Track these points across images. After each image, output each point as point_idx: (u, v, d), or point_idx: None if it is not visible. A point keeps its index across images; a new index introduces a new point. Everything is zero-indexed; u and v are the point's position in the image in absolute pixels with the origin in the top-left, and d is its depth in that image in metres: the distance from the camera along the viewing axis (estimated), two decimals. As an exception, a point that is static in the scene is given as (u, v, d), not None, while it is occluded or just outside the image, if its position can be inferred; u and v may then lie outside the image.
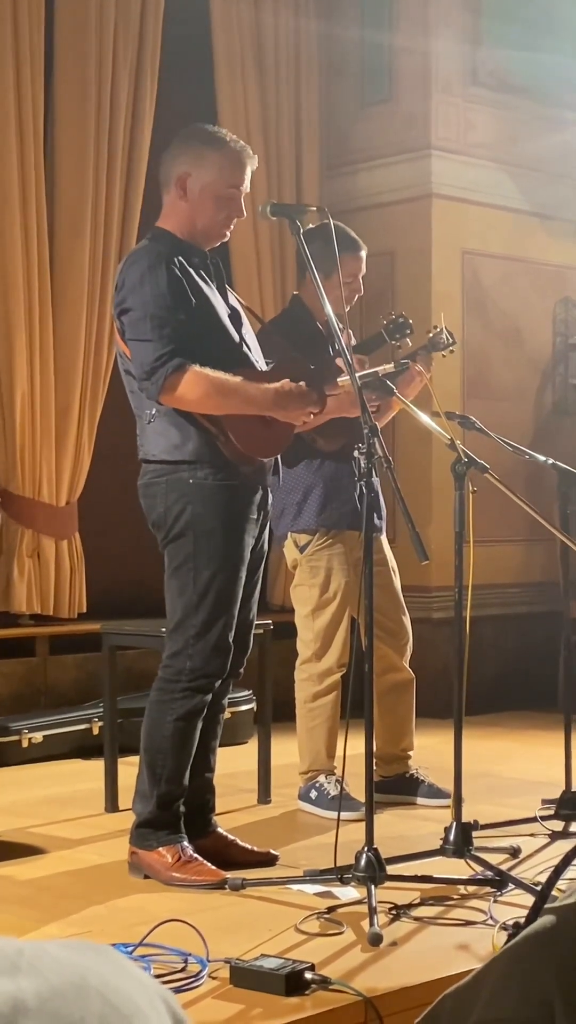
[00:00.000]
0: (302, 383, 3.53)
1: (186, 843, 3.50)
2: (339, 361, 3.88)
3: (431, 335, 4.45)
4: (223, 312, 3.57)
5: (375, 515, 4.21)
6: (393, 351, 3.90)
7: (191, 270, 3.52)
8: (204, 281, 3.55)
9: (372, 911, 3.02)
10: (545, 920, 1.06)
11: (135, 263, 3.51)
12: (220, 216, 3.57)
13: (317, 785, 4.32)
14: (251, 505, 3.57)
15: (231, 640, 3.54)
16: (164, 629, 3.64)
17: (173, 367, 3.38)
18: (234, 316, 3.63)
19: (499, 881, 3.33)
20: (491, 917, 3.10)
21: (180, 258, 3.51)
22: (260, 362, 3.65)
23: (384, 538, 4.45)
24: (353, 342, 4.63)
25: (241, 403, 3.45)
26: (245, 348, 3.61)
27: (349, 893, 3.26)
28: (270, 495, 3.70)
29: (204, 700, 3.53)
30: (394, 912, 3.15)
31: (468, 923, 3.10)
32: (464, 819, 3.50)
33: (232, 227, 3.65)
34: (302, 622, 4.43)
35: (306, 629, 4.41)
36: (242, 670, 3.69)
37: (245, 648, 3.67)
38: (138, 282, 3.46)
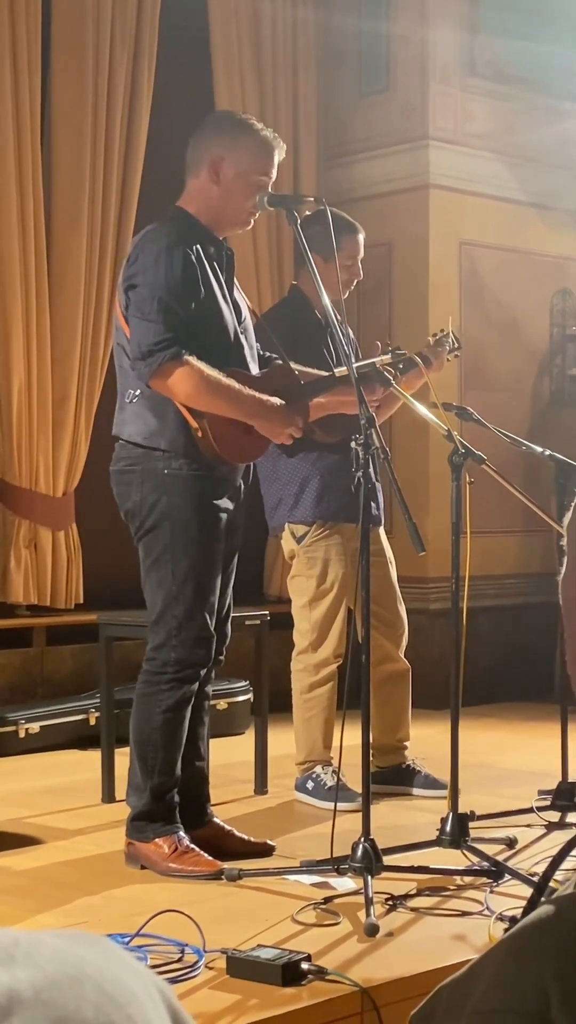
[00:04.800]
0: (288, 407, 3.52)
1: (182, 833, 3.51)
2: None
3: (437, 336, 4.44)
4: (227, 308, 3.56)
5: (372, 506, 4.20)
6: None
7: (205, 260, 3.50)
8: (215, 273, 3.53)
9: (368, 901, 3.02)
10: (542, 910, 1.06)
11: (154, 240, 3.47)
12: (248, 203, 3.57)
13: (314, 776, 4.32)
14: (224, 496, 3.56)
15: (212, 629, 3.54)
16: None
17: (171, 355, 3.37)
18: (236, 313, 3.61)
19: (495, 872, 3.34)
20: (487, 908, 3.10)
21: (197, 245, 3.49)
22: (254, 363, 3.64)
23: (381, 529, 4.45)
24: (352, 336, 4.64)
25: (228, 405, 3.44)
26: (242, 346, 3.60)
27: (346, 884, 3.26)
28: (243, 492, 3.68)
29: (191, 690, 3.53)
30: (390, 903, 3.15)
31: (464, 914, 3.10)
32: (460, 810, 3.51)
33: (256, 216, 3.63)
34: (299, 613, 4.43)
35: (303, 620, 4.41)
36: (223, 659, 3.70)
37: (224, 638, 3.68)
38: (153, 261, 3.43)
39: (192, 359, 3.38)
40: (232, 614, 3.75)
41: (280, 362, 3.74)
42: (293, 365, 3.76)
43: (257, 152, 3.55)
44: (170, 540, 3.49)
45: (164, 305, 3.40)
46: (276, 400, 3.52)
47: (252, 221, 3.65)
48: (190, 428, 3.46)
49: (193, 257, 3.45)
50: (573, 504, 1.23)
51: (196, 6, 6.37)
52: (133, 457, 3.52)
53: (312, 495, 4.34)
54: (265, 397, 3.50)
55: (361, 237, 4.42)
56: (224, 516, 3.56)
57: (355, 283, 4.45)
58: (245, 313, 3.68)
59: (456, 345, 4.46)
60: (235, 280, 3.68)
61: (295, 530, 4.40)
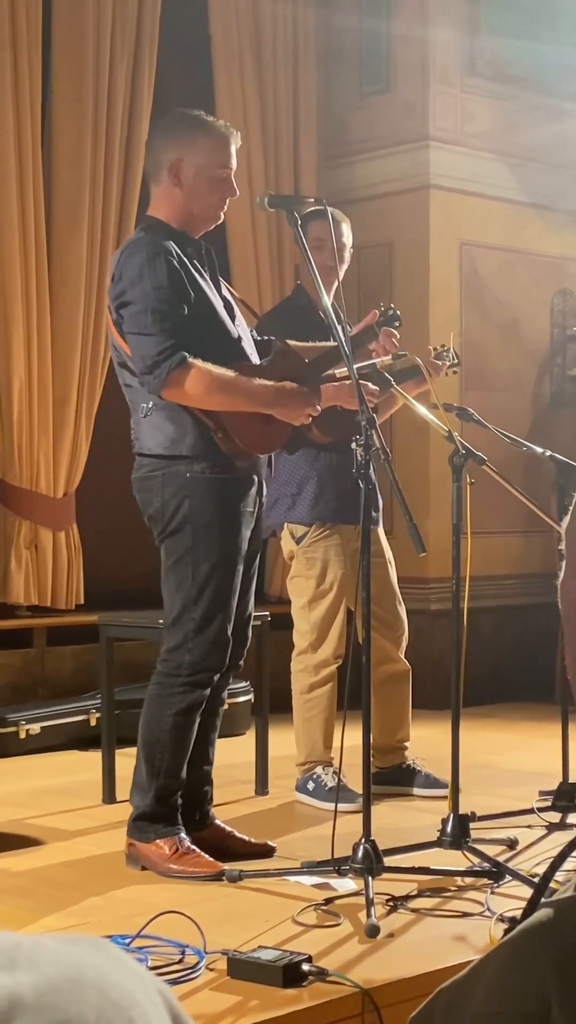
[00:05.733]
0: (303, 387, 3.53)
1: (183, 835, 3.50)
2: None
3: (438, 351, 4.43)
4: (219, 305, 3.56)
5: (371, 507, 4.20)
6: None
7: (187, 261, 3.51)
8: (199, 272, 3.54)
9: (369, 902, 3.02)
10: (542, 913, 1.06)
11: (133, 255, 3.48)
12: (215, 198, 3.57)
13: (314, 777, 4.32)
14: (247, 497, 3.56)
15: (230, 633, 3.54)
16: (162, 621, 3.64)
17: (176, 362, 3.37)
18: (227, 308, 3.62)
19: (496, 873, 3.34)
20: (488, 908, 3.10)
21: (176, 249, 3.49)
22: (254, 354, 3.64)
23: (380, 530, 4.45)
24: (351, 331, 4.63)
25: (242, 400, 3.45)
26: (240, 339, 3.60)
27: (346, 885, 3.26)
28: (265, 486, 3.69)
29: (203, 695, 3.53)
30: (391, 904, 3.15)
31: (465, 915, 3.10)
32: (461, 810, 3.51)
33: (226, 208, 3.64)
34: (298, 613, 4.43)
35: (302, 620, 4.41)
36: (242, 663, 3.69)
37: (244, 641, 3.67)
38: (137, 275, 3.44)
39: (197, 362, 3.38)
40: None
41: (280, 346, 3.73)
42: (292, 343, 3.76)
43: (212, 147, 3.54)
44: (192, 543, 3.48)
45: (159, 315, 3.40)
46: (288, 384, 3.52)
47: (222, 215, 3.65)
48: (209, 430, 3.46)
49: (175, 262, 3.45)
50: (571, 507, 1.23)
51: (196, 7, 6.37)
52: (155, 464, 3.51)
53: (310, 496, 4.34)
54: (277, 383, 3.50)
55: (338, 224, 4.30)
56: (246, 519, 3.55)
57: (340, 269, 4.33)
58: (236, 309, 3.68)
59: (456, 361, 4.46)
60: (220, 279, 3.68)
61: (294, 530, 4.40)
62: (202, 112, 3.68)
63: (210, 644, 3.50)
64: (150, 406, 3.49)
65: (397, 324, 4.05)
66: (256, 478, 3.60)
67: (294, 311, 4.44)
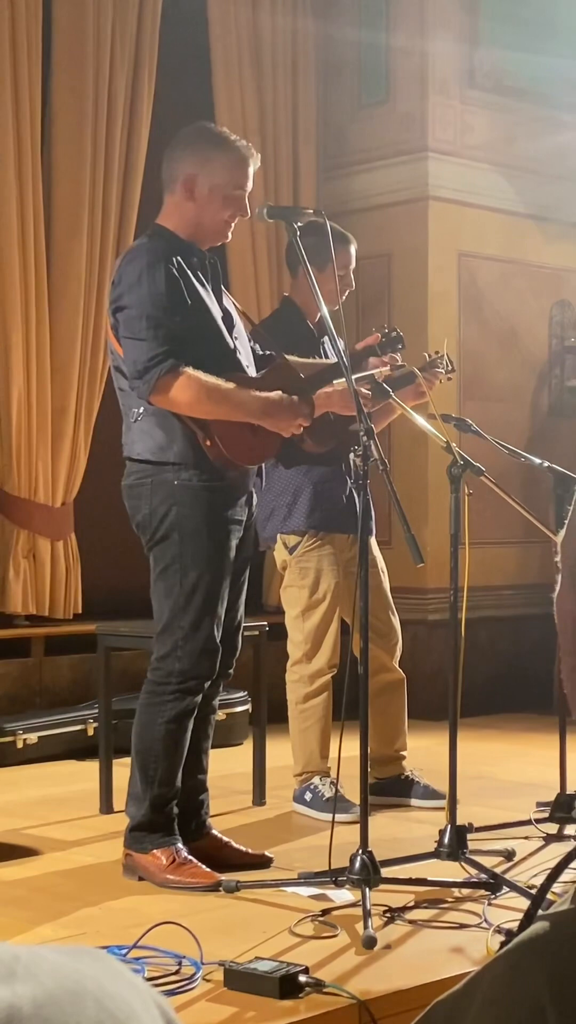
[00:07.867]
0: (293, 396, 3.54)
1: (180, 845, 3.50)
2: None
3: (431, 358, 4.44)
4: (218, 315, 3.57)
5: (368, 517, 4.20)
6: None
7: (189, 271, 3.52)
8: (201, 282, 3.55)
9: (366, 914, 3.02)
10: (539, 926, 1.06)
11: (133, 260, 3.50)
12: (225, 215, 3.59)
13: (311, 787, 4.32)
14: (236, 507, 3.57)
15: (219, 641, 3.54)
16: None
17: (166, 368, 3.38)
18: (227, 319, 3.63)
19: (493, 884, 3.33)
20: (485, 920, 3.10)
21: (179, 257, 3.51)
22: (251, 367, 3.65)
23: (373, 539, 4.44)
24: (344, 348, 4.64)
25: (231, 409, 3.45)
26: (237, 351, 3.61)
27: (343, 896, 3.26)
28: (255, 497, 3.69)
29: (194, 702, 3.53)
30: (388, 915, 3.15)
31: (462, 926, 3.10)
32: (458, 822, 3.51)
33: (234, 227, 3.65)
34: (292, 623, 4.43)
35: (296, 630, 4.41)
36: (231, 671, 3.69)
37: (234, 650, 3.67)
38: (136, 280, 3.46)
39: (188, 369, 3.39)
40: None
41: (279, 361, 3.74)
42: (291, 359, 3.76)
43: (230, 167, 3.56)
44: (179, 551, 3.49)
45: (153, 321, 3.42)
46: (278, 394, 3.52)
47: (230, 234, 3.67)
48: (198, 438, 3.46)
49: (175, 270, 3.47)
50: (567, 520, 1.23)
51: (196, 18, 6.39)
52: (144, 471, 3.53)
53: (305, 505, 4.34)
54: (267, 393, 3.51)
55: (353, 248, 4.44)
56: (234, 528, 3.56)
57: (347, 293, 4.42)
58: (236, 318, 3.69)
59: (450, 367, 4.47)
60: (223, 290, 3.69)
61: (287, 540, 4.40)
62: (225, 129, 3.70)
63: (199, 652, 3.50)
64: (140, 411, 3.50)
65: (400, 347, 4.05)
66: (245, 488, 3.61)
67: (282, 322, 4.45)
